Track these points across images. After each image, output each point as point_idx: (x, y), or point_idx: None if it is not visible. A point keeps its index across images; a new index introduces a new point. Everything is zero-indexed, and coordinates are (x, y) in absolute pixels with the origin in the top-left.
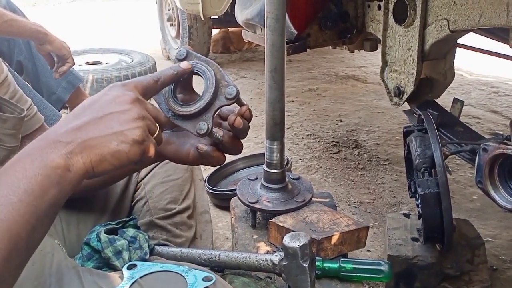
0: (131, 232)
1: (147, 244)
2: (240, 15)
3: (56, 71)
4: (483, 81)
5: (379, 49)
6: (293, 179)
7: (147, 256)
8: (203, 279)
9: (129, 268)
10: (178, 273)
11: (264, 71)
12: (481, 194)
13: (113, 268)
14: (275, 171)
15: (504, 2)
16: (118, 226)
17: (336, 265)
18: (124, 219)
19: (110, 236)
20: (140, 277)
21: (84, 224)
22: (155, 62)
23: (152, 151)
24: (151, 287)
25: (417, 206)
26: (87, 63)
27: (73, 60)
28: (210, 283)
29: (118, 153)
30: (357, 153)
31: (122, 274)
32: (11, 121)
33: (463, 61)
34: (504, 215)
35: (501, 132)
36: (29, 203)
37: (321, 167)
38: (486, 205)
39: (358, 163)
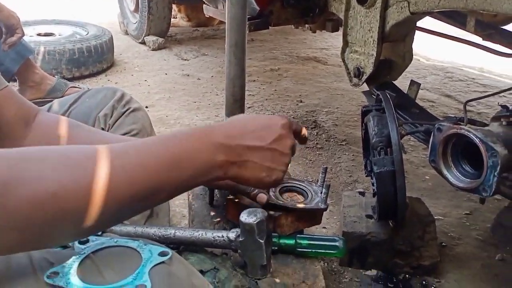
0: None
1: None
2: None
3: (4, 42)
4: (438, 66)
5: (341, 31)
6: None
7: (99, 232)
8: (159, 254)
9: (80, 243)
10: (133, 248)
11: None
12: (433, 174)
13: (64, 246)
14: None
15: None
16: None
17: (292, 241)
18: None
19: None
20: (92, 252)
21: None
22: (111, 35)
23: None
24: (104, 263)
25: (372, 184)
26: (39, 35)
27: (23, 30)
28: (166, 257)
29: (258, 180)
30: (316, 133)
31: (74, 249)
32: None
33: (420, 46)
34: (454, 195)
35: (453, 116)
36: (176, 178)
37: None
38: (438, 185)
39: (317, 143)
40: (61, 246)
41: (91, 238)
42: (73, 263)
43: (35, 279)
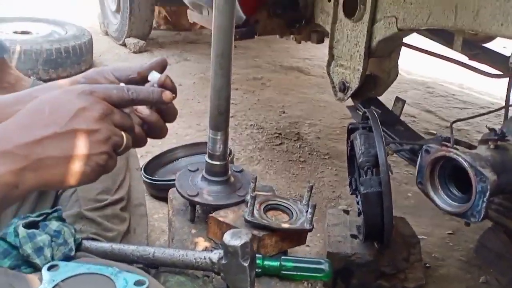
0: (54, 225)
1: (72, 239)
2: None
3: None
4: (419, 81)
5: (325, 42)
6: (236, 171)
7: (73, 253)
8: (134, 283)
9: (49, 269)
10: (106, 276)
11: (210, 55)
12: (416, 192)
13: (34, 267)
14: (217, 163)
15: (453, 3)
16: (39, 218)
17: (276, 264)
18: (46, 211)
19: (30, 231)
20: (62, 280)
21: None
22: (91, 36)
23: (112, 168)
24: None
25: (357, 203)
26: (15, 32)
27: None
28: (143, 287)
29: (77, 175)
30: (298, 146)
31: (41, 276)
32: None
33: (401, 60)
34: (436, 213)
35: (435, 132)
36: None
37: (263, 158)
38: (420, 203)
39: (300, 156)
40: (29, 266)
41: (60, 263)
42: None
43: None
